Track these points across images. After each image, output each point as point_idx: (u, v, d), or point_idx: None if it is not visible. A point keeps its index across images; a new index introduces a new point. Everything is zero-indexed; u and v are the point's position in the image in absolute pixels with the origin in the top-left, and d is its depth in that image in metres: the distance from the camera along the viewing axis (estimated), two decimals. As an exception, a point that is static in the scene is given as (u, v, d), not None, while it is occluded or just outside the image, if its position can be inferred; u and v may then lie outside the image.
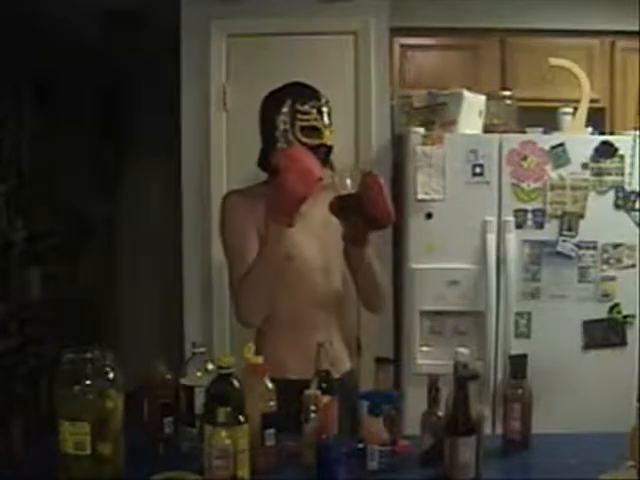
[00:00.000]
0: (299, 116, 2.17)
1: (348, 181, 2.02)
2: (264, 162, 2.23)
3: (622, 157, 3.20)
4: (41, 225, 4.49)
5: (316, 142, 2.17)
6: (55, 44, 4.01)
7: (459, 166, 3.18)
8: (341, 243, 2.13)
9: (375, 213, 2.02)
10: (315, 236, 2.21)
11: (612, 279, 3.21)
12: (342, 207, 2.03)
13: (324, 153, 2.20)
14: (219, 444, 1.57)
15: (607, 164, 3.20)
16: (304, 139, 2.16)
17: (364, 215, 2.01)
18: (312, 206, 2.13)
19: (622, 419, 1.82)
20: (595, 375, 3.17)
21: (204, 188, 3.50)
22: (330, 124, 2.22)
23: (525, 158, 3.20)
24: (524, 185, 3.20)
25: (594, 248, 3.20)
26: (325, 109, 2.22)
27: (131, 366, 1.78)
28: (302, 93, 2.22)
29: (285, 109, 2.18)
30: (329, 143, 2.21)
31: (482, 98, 3.32)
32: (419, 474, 1.75)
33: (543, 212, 3.19)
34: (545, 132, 3.30)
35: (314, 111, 2.19)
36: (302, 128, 2.17)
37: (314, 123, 2.18)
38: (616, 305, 3.21)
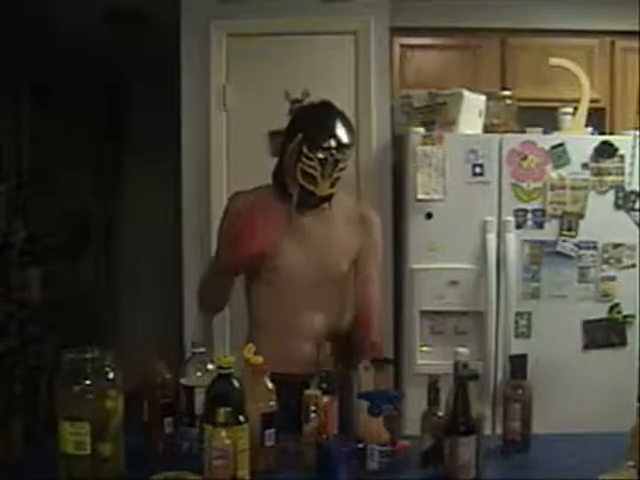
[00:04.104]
0: (302, 158, 2.11)
1: None
2: (275, 171, 2.26)
3: (622, 157, 3.20)
4: (41, 225, 4.49)
5: (308, 188, 2.13)
6: (55, 44, 4.01)
7: (459, 166, 3.18)
8: (339, 261, 2.22)
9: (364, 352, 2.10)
10: (308, 250, 2.20)
11: (612, 279, 3.21)
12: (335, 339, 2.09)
13: (318, 200, 2.17)
14: (219, 444, 1.57)
15: (607, 164, 3.20)
16: (301, 180, 2.12)
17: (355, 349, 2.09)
18: (312, 222, 2.19)
19: (622, 419, 1.82)
20: (595, 375, 3.17)
21: (204, 188, 3.50)
22: (334, 172, 2.13)
23: (525, 158, 3.20)
24: (524, 185, 3.20)
25: (594, 248, 3.20)
26: (335, 156, 2.11)
27: (131, 366, 1.78)
28: (314, 135, 2.12)
29: (294, 143, 2.13)
30: (323, 194, 2.15)
31: (482, 98, 3.32)
32: (419, 474, 1.75)
33: (543, 212, 3.19)
34: (545, 132, 3.30)
35: (316, 160, 2.10)
36: (302, 170, 2.12)
37: (312, 172, 2.11)
38: (616, 305, 3.21)
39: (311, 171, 2.11)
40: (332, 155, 2.11)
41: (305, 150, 2.10)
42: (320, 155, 2.10)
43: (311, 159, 2.10)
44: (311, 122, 2.18)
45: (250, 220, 2.07)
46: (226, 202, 2.34)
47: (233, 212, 2.21)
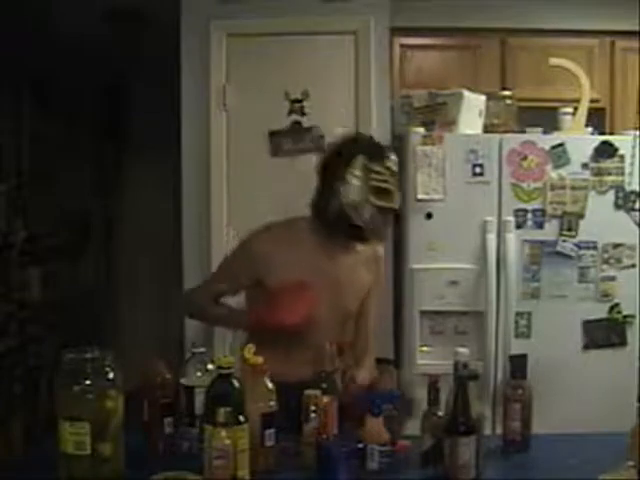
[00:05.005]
0: (373, 175, 2.06)
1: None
2: (319, 207, 2.13)
3: (622, 157, 3.20)
4: (41, 225, 4.48)
5: (385, 205, 2.09)
6: (55, 44, 4.01)
7: (459, 166, 3.18)
8: (354, 301, 2.21)
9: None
10: (329, 288, 2.14)
11: (612, 279, 3.21)
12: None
13: (392, 216, 2.17)
14: (219, 444, 1.57)
15: (607, 164, 3.20)
16: (374, 200, 2.06)
17: None
18: (342, 259, 2.17)
19: (622, 419, 1.82)
20: (595, 375, 3.17)
21: (204, 188, 3.50)
22: (399, 185, 2.15)
23: (525, 158, 3.20)
24: (524, 185, 3.20)
25: (594, 248, 3.20)
26: (396, 169, 2.13)
27: (131, 366, 1.78)
28: (375, 150, 2.12)
29: (357, 165, 2.07)
30: (396, 207, 2.14)
31: (482, 98, 3.32)
32: (419, 474, 1.75)
33: (543, 212, 3.19)
34: (545, 132, 3.30)
35: (388, 172, 2.09)
36: (374, 188, 2.07)
37: (386, 185, 2.08)
38: (616, 305, 3.21)
39: (385, 185, 2.07)
40: (395, 164, 2.13)
41: (373, 166, 2.06)
42: (390, 165, 2.10)
43: (382, 173, 2.07)
44: (364, 143, 2.16)
45: (289, 291, 2.03)
46: (253, 234, 2.22)
47: (260, 254, 2.12)
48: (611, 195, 3.20)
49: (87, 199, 5.18)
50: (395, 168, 2.12)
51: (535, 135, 3.25)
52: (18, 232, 4.27)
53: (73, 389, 1.61)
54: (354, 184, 2.06)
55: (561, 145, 3.20)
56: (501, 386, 2.97)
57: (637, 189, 3.20)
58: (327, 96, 3.51)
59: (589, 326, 3.21)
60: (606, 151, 3.20)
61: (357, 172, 2.06)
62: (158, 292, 5.31)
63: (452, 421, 1.63)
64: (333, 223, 2.10)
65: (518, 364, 1.97)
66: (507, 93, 3.45)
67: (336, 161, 2.11)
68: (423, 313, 3.20)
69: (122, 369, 1.67)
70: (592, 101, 3.39)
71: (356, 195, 2.05)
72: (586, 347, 3.21)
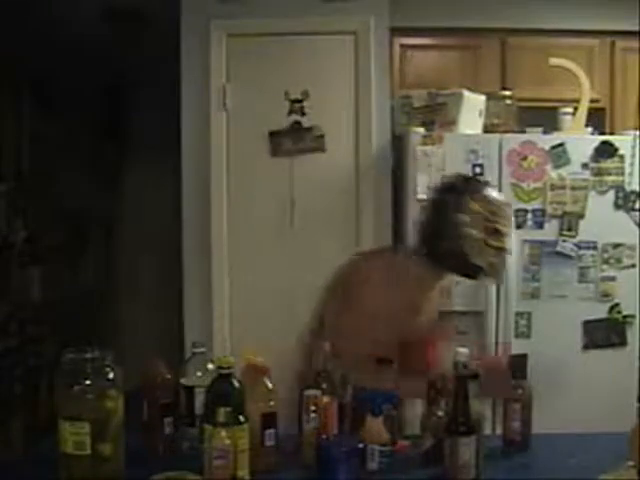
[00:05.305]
0: (490, 217, 2.09)
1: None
2: (432, 244, 2.13)
3: (622, 157, 3.20)
4: (41, 225, 4.48)
5: (500, 245, 2.11)
6: (55, 43, 4.01)
7: (459, 166, 3.17)
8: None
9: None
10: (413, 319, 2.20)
11: (612, 279, 3.21)
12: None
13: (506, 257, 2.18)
14: (219, 444, 1.57)
15: (607, 164, 3.20)
16: (491, 241, 2.08)
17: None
18: (421, 295, 2.21)
19: (622, 419, 1.82)
20: (595, 375, 3.17)
21: (204, 188, 3.50)
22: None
23: (525, 158, 3.20)
24: (524, 185, 3.20)
25: (594, 248, 3.20)
26: (510, 213, 2.21)
27: (131, 366, 1.78)
28: (491, 195, 2.14)
29: (475, 206, 2.08)
30: (509, 250, 2.16)
31: (482, 98, 3.32)
32: (419, 474, 1.75)
33: (543, 212, 3.19)
34: (545, 132, 3.30)
35: (503, 215, 2.12)
36: (490, 229, 2.09)
37: (501, 227, 2.10)
38: (616, 305, 3.21)
39: (500, 227, 2.10)
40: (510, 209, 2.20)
41: (491, 208, 2.09)
42: (506, 208, 2.15)
43: (499, 215, 2.10)
44: (481, 185, 2.18)
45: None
46: (357, 265, 2.23)
47: (374, 285, 2.13)
48: (611, 195, 3.20)
49: (87, 199, 5.18)
50: (510, 212, 2.19)
51: (535, 135, 3.25)
52: (18, 232, 4.27)
53: (73, 389, 1.61)
54: (472, 224, 2.07)
55: (561, 145, 3.20)
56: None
57: (637, 189, 3.20)
58: (327, 96, 3.51)
59: (589, 326, 3.21)
60: (606, 151, 3.20)
61: (474, 213, 2.07)
62: (158, 292, 5.32)
63: (452, 421, 1.63)
64: (447, 260, 2.11)
65: (518, 364, 1.97)
66: (507, 93, 3.45)
67: (452, 201, 2.11)
68: (423, 313, 3.20)
69: (122, 369, 1.67)
70: (592, 101, 3.39)
71: (475, 235, 2.07)
72: (586, 347, 3.21)
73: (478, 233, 2.06)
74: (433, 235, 2.13)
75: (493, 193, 2.14)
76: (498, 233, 2.09)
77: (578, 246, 3.19)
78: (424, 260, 2.13)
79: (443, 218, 2.10)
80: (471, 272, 2.13)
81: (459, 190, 2.11)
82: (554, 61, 3.36)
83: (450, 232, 2.07)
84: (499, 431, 1.97)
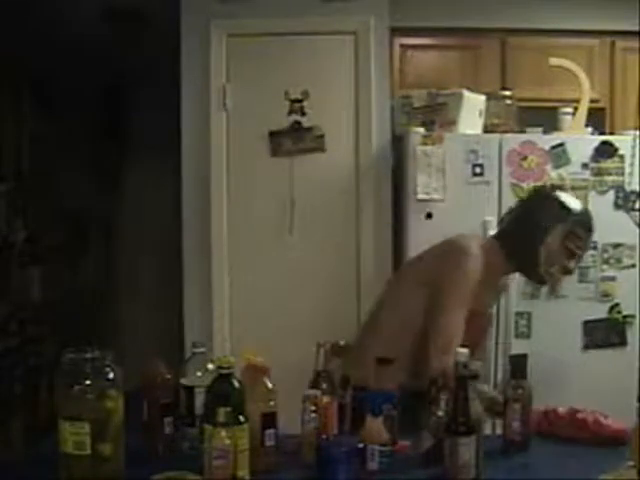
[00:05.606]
0: (575, 241, 2.16)
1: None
2: (516, 249, 2.20)
3: (622, 157, 3.20)
4: (41, 225, 4.49)
5: (571, 268, 2.20)
6: (55, 43, 4.01)
7: (459, 166, 3.18)
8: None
9: None
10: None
11: (612, 279, 3.21)
12: None
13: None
14: (219, 444, 1.57)
15: (607, 164, 3.20)
16: (566, 263, 2.17)
17: None
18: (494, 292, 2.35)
19: (622, 419, 1.82)
20: (595, 375, 3.17)
21: (204, 188, 3.50)
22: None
23: (525, 158, 3.20)
24: (524, 185, 3.19)
25: (594, 248, 3.19)
26: (591, 241, 2.26)
27: (131, 366, 1.78)
28: (585, 218, 2.20)
29: (566, 227, 2.15)
30: (573, 269, 2.23)
31: (482, 98, 3.32)
32: (419, 474, 1.75)
33: (543, 212, 3.19)
34: (545, 132, 3.30)
35: (585, 242, 2.19)
36: (570, 252, 2.16)
37: (579, 251, 2.18)
38: (616, 305, 3.21)
39: (578, 251, 2.18)
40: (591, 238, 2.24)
41: (579, 232, 2.16)
42: (590, 237, 2.20)
43: (583, 240, 2.17)
44: (577, 208, 2.22)
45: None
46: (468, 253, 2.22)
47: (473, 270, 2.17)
48: (611, 195, 3.20)
49: (87, 199, 5.18)
50: (591, 240, 2.23)
51: (535, 135, 3.25)
52: (18, 232, 4.27)
53: (73, 389, 1.61)
54: (559, 239, 2.14)
55: (561, 145, 3.20)
56: (501, 386, 2.96)
57: (637, 189, 3.20)
58: (327, 96, 3.51)
59: (589, 326, 3.21)
60: (606, 151, 3.20)
61: (569, 233, 2.15)
62: (158, 292, 5.32)
63: (452, 421, 1.63)
64: (518, 257, 2.19)
65: (518, 364, 1.97)
66: (507, 93, 3.45)
67: (546, 214, 2.17)
68: (423, 313, 3.20)
69: (122, 369, 1.67)
70: (592, 101, 3.39)
71: (554, 249, 2.15)
72: (586, 347, 3.21)
73: (558, 248, 2.14)
74: (522, 228, 2.19)
75: (590, 221, 2.19)
76: (573, 255, 2.17)
77: (578, 246, 3.19)
78: (500, 250, 2.21)
79: (540, 219, 2.16)
80: (533, 278, 2.24)
81: (571, 210, 2.17)
82: (554, 61, 3.36)
83: (537, 234, 2.15)
84: (499, 431, 1.98)
